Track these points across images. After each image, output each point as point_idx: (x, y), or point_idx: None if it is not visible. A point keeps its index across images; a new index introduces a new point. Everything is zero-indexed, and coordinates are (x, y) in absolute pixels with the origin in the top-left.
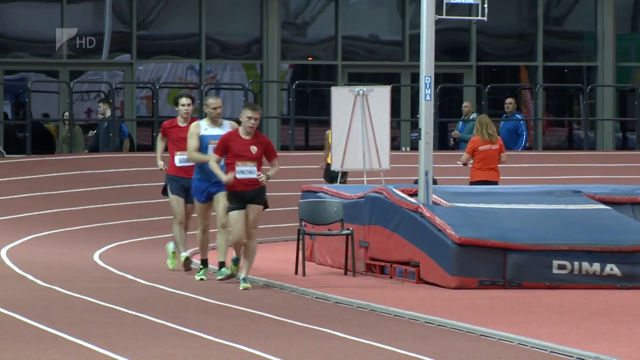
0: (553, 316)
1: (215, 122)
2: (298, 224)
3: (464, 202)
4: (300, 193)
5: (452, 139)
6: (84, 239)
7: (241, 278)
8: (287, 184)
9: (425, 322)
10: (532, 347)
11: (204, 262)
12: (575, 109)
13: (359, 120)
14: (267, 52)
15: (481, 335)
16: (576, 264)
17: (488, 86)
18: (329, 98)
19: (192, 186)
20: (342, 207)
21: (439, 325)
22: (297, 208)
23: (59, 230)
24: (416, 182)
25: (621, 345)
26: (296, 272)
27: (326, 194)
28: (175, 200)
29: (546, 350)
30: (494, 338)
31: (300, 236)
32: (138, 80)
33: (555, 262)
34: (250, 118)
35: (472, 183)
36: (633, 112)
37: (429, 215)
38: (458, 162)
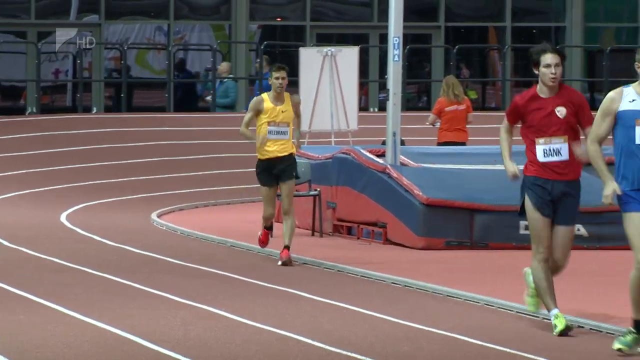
0: (520, 277)
1: None
2: None
3: (432, 162)
4: None
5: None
6: (50, 199)
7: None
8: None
9: (392, 282)
10: (499, 307)
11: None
12: None
13: (327, 81)
14: (236, 13)
15: (448, 295)
16: None
17: (456, 47)
18: (297, 59)
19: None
20: (309, 168)
21: (406, 285)
22: None
23: (25, 192)
24: (384, 143)
25: (588, 306)
26: None
27: None
28: (539, 222)
29: (512, 311)
30: (460, 298)
31: None
32: (106, 41)
33: (522, 223)
34: None
35: (439, 144)
36: (601, 72)
37: (396, 175)
38: (427, 123)
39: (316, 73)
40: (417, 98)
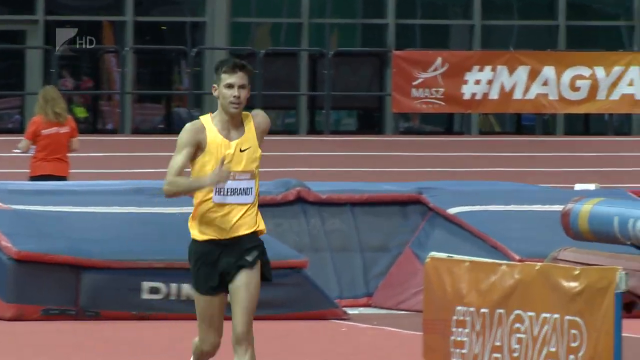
0: (141, 357)
1: None
2: None
3: (25, 203)
4: None
5: None
6: None
7: None
8: None
9: None
10: None
11: None
12: (176, 78)
13: None
14: None
15: None
16: (174, 286)
17: (60, 48)
18: None
19: None
20: None
21: None
22: None
23: None
24: None
25: None
26: None
27: None
28: None
29: None
30: None
31: None
32: None
33: (146, 285)
34: None
35: (33, 178)
36: (253, 82)
37: None
38: (15, 151)
39: None
40: (7, 117)
